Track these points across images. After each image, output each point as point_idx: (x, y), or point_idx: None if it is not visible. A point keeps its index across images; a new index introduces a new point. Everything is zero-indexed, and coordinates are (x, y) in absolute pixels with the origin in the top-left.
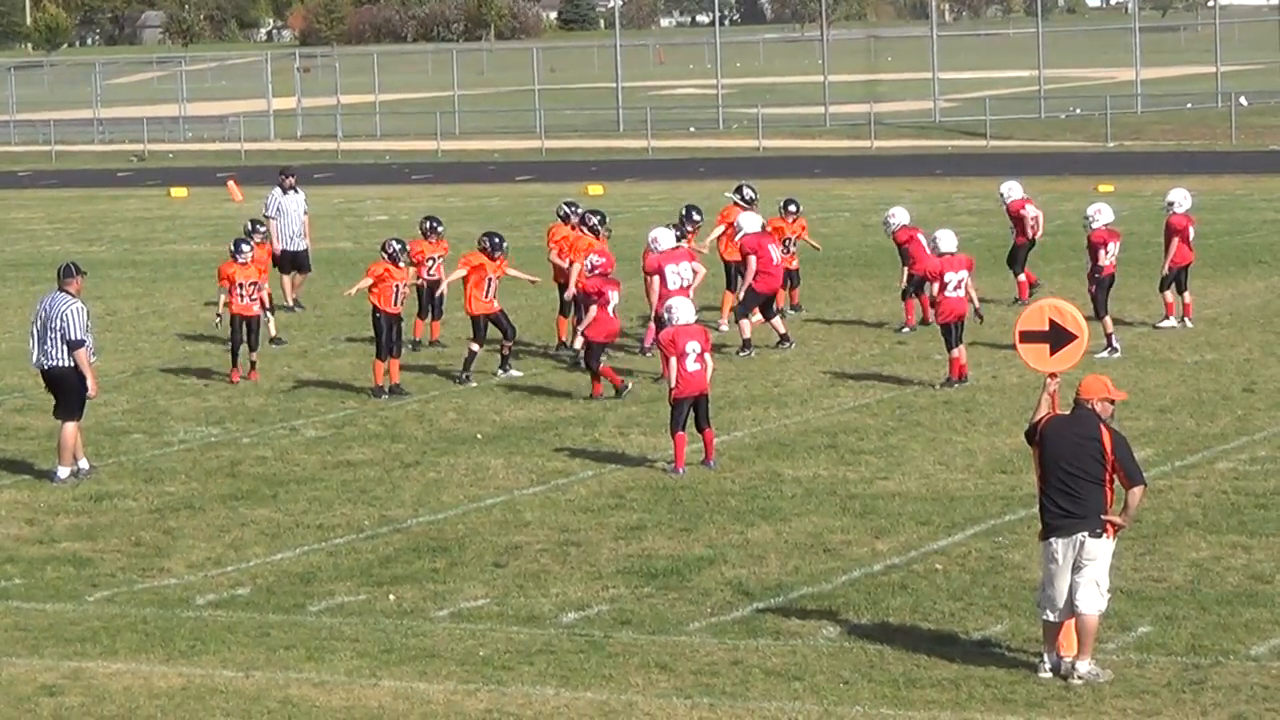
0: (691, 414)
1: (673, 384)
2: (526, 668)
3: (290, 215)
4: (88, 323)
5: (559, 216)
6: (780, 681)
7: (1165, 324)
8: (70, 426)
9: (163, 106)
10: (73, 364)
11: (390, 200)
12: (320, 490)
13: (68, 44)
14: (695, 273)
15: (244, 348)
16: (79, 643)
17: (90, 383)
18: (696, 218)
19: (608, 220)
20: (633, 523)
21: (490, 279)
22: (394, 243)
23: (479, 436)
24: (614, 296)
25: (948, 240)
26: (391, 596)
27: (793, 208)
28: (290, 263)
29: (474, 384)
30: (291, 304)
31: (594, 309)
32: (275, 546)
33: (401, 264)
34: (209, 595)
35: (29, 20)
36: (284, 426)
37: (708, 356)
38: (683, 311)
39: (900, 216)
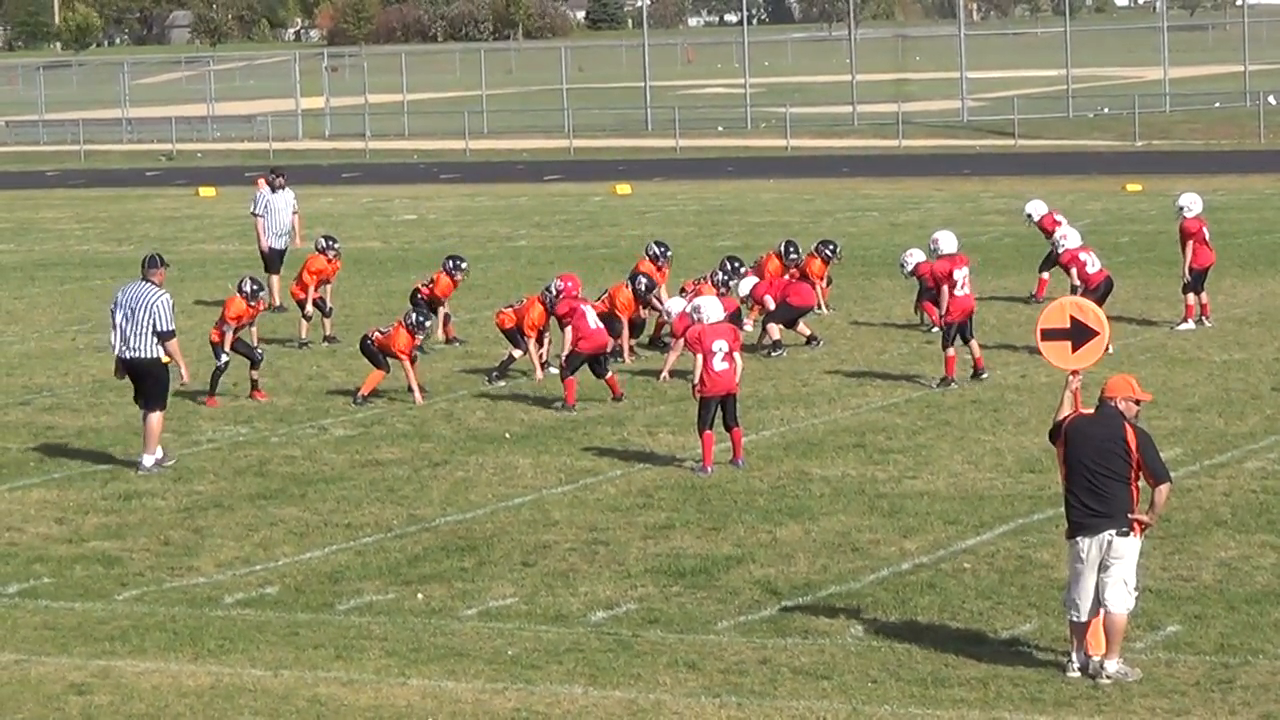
0: (719, 413)
1: (697, 381)
2: (555, 667)
3: (278, 214)
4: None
5: (648, 255)
6: (808, 680)
7: (1183, 327)
8: (156, 416)
9: (191, 106)
10: (156, 356)
11: (418, 199)
12: (349, 489)
13: (96, 44)
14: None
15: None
16: (108, 641)
17: (183, 370)
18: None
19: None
20: (661, 522)
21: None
22: (415, 315)
23: (507, 436)
24: (590, 311)
25: (949, 242)
26: (420, 595)
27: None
28: (279, 261)
29: (504, 383)
30: (279, 304)
31: (569, 331)
32: (304, 545)
33: (419, 336)
34: (237, 594)
35: (58, 20)
36: (312, 426)
37: (737, 356)
38: (711, 310)
39: (918, 255)
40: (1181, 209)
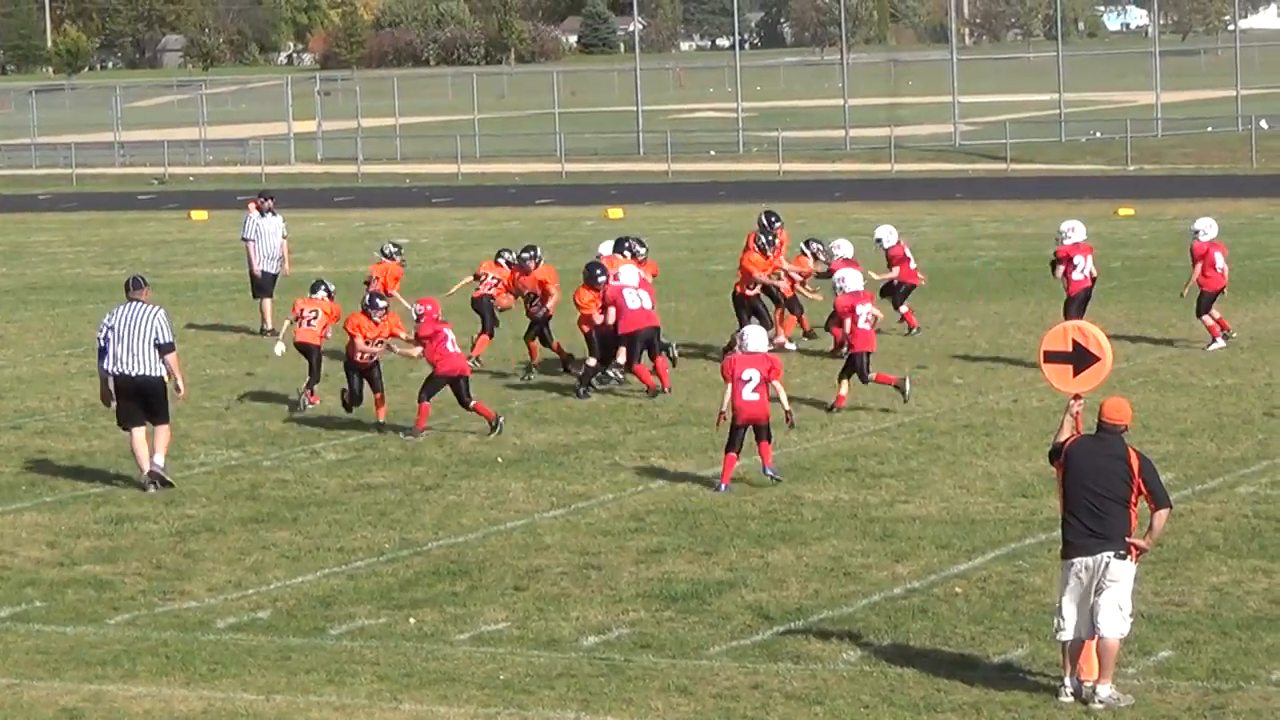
0: (748, 434)
1: (723, 407)
2: (547, 691)
3: (268, 238)
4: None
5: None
6: (800, 705)
7: (1214, 346)
8: (167, 427)
9: (183, 130)
10: (160, 374)
11: (410, 224)
12: (340, 513)
13: (88, 67)
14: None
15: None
16: (99, 665)
17: (182, 384)
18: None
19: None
20: (653, 546)
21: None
22: (370, 297)
23: (499, 460)
24: (450, 334)
25: (855, 280)
26: (412, 620)
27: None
28: (270, 285)
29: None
30: (270, 328)
31: (419, 350)
32: (296, 569)
33: (376, 318)
34: (229, 618)
35: (50, 44)
36: (304, 449)
37: (776, 385)
38: (753, 340)
39: (845, 249)
40: (1196, 232)
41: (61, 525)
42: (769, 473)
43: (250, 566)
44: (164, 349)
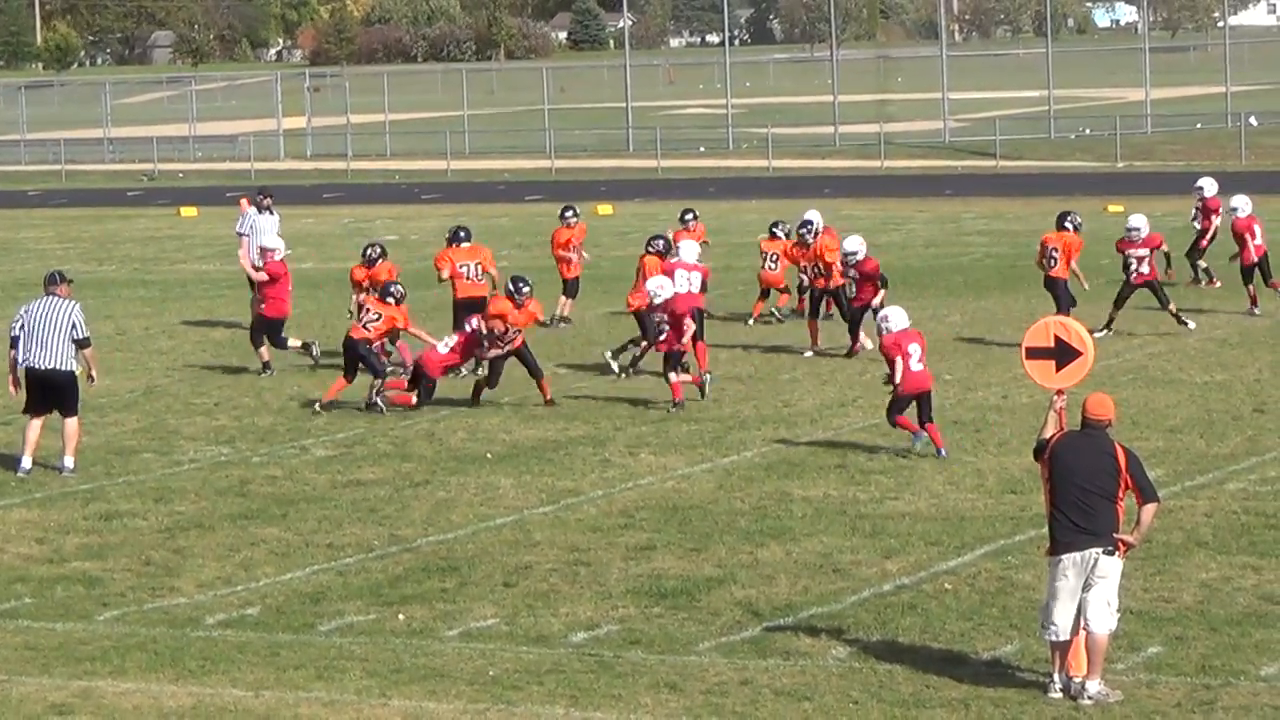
0: (915, 409)
1: (898, 381)
2: (536, 688)
3: (263, 235)
4: None
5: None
6: (790, 702)
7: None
8: (75, 420)
9: (173, 126)
10: (72, 368)
11: (400, 220)
12: (330, 509)
13: (78, 64)
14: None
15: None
16: (89, 662)
17: (95, 374)
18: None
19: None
20: (642, 543)
21: None
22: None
23: (489, 456)
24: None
25: (665, 287)
26: (401, 616)
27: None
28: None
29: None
30: None
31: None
32: (285, 566)
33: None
34: (219, 615)
35: (39, 40)
36: (294, 446)
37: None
38: (898, 318)
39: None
40: (1235, 210)
41: (50, 521)
42: (942, 454)
43: (239, 563)
44: (81, 344)
